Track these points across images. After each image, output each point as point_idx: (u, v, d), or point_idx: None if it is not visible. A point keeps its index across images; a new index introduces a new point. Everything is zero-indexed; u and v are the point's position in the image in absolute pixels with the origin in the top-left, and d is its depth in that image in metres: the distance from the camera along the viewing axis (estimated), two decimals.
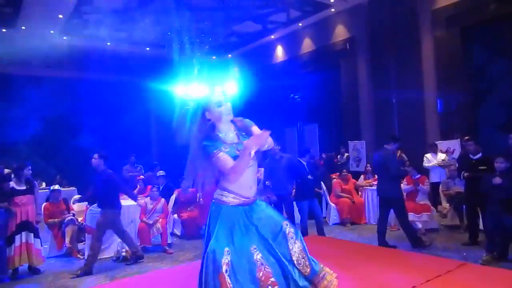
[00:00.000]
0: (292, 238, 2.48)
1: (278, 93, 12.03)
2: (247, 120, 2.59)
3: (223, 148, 2.40)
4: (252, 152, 2.34)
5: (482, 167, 5.11)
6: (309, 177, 5.87)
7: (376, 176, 7.27)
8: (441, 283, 3.08)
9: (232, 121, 2.54)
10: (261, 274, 2.30)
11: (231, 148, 2.42)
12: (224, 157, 2.37)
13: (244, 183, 2.48)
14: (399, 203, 5.60)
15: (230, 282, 2.22)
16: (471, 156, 5.50)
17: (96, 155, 5.39)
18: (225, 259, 2.27)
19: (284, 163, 5.98)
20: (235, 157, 2.38)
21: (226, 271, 2.25)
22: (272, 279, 2.30)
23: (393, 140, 5.71)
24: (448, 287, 3.05)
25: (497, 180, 4.55)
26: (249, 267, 2.32)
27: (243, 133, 2.53)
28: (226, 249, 2.31)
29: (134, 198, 5.92)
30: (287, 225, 2.51)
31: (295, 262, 2.42)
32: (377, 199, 7.42)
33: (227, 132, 2.49)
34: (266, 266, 2.33)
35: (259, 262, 2.33)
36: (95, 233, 5.17)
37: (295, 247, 2.46)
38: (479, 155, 5.41)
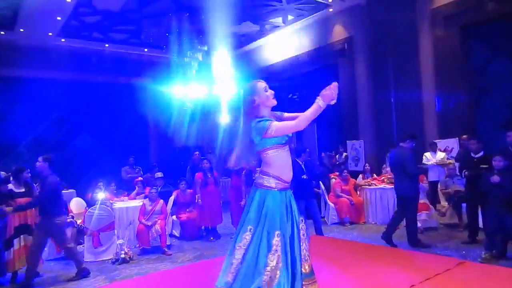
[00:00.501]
0: (303, 235, 2.67)
1: (277, 93, 11.97)
2: (279, 112, 2.83)
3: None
4: (323, 105, 2.52)
5: (484, 166, 5.09)
6: (304, 176, 5.83)
7: (392, 175, 7.29)
8: (440, 281, 3.08)
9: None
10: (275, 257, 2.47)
11: None
12: (281, 123, 2.59)
13: (284, 167, 2.64)
14: (413, 201, 5.57)
15: (279, 262, 2.43)
16: (472, 154, 5.49)
17: (40, 158, 5.02)
18: (275, 241, 2.47)
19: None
20: (277, 143, 2.57)
21: (276, 251, 2.46)
22: (280, 264, 2.46)
23: (409, 138, 5.63)
24: (447, 285, 3.05)
25: (495, 178, 4.55)
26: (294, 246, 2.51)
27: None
28: (277, 232, 2.49)
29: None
30: (302, 220, 2.69)
31: (302, 257, 2.56)
32: (375, 198, 7.46)
33: (269, 117, 2.67)
34: (280, 253, 2.48)
35: (274, 247, 2.49)
36: (35, 242, 4.80)
37: (305, 243, 2.64)
38: (481, 153, 5.40)
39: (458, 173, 6.15)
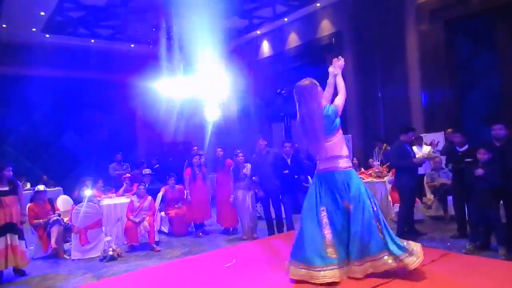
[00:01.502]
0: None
1: (265, 88, 12.04)
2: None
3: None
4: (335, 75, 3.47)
5: (469, 159, 5.16)
6: (285, 171, 5.85)
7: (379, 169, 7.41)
8: (424, 271, 3.13)
9: None
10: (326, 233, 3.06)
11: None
12: (337, 101, 3.34)
13: (330, 154, 3.17)
14: (410, 193, 5.64)
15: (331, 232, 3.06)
16: (457, 148, 5.56)
17: None
18: (323, 215, 3.09)
19: (271, 158, 5.99)
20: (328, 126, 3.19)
21: (326, 223, 3.07)
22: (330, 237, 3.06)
23: (411, 130, 5.68)
24: (431, 275, 3.10)
25: (479, 171, 4.63)
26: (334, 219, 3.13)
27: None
28: (322, 207, 3.11)
29: None
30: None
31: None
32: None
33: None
34: (329, 228, 3.08)
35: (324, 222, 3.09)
36: None
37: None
38: (466, 147, 5.47)
39: (444, 167, 6.23)
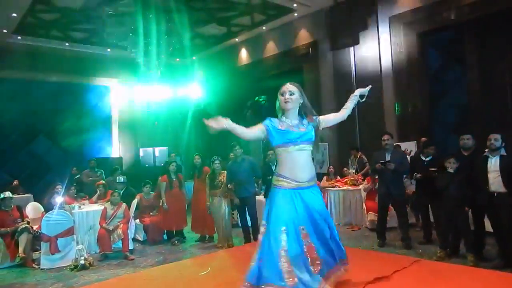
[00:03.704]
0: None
1: (243, 96, 12.05)
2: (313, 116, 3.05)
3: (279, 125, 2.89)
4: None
5: (433, 168, 5.35)
6: (270, 177, 5.91)
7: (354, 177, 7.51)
8: (396, 279, 3.20)
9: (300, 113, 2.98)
10: (306, 249, 2.72)
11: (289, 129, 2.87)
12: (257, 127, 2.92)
13: (293, 169, 2.82)
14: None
15: (287, 256, 2.64)
16: (422, 157, 5.76)
17: None
18: (283, 237, 2.68)
19: (246, 165, 6.01)
20: (289, 138, 2.84)
21: (284, 247, 2.66)
22: (315, 254, 2.74)
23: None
24: (402, 282, 3.17)
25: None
26: (300, 244, 2.72)
27: (305, 123, 2.95)
28: (283, 228, 2.71)
29: None
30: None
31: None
32: (338, 199, 7.65)
33: (292, 119, 2.93)
34: (311, 243, 2.76)
35: (305, 240, 2.75)
36: None
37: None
38: (430, 157, 5.66)
39: (408, 177, 6.25)
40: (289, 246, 2.67)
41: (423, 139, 6.89)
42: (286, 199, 2.79)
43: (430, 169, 5.40)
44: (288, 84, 2.94)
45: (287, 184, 2.82)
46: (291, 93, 2.89)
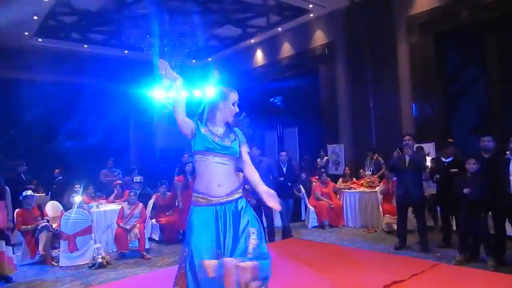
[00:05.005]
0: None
1: (258, 97, 12.07)
2: (240, 133, 2.71)
3: (202, 129, 2.56)
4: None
5: (454, 170, 5.25)
6: (281, 178, 5.93)
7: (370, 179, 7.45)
8: (414, 282, 3.15)
9: (228, 124, 2.65)
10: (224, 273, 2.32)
11: (215, 138, 2.54)
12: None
13: (210, 183, 2.50)
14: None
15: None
16: (443, 159, 5.66)
17: None
18: (196, 260, 2.34)
19: (264, 166, 6.00)
20: (209, 147, 2.50)
21: (194, 270, 2.34)
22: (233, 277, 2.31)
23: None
24: (420, 286, 3.12)
25: (467, 190, 4.65)
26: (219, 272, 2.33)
27: (232, 136, 2.62)
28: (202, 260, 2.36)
29: None
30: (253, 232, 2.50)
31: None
32: (354, 201, 7.58)
33: (219, 127, 2.61)
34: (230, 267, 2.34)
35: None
36: None
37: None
38: (451, 158, 5.57)
39: (429, 178, 6.21)
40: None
41: (450, 140, 6.77)
42: (202, 221, 2.47)
43: (451, 170, 5.30)
44: (236, 93, 2.69)
45: (204, 201, 2.50)
46: (236, 104, 2.64)
